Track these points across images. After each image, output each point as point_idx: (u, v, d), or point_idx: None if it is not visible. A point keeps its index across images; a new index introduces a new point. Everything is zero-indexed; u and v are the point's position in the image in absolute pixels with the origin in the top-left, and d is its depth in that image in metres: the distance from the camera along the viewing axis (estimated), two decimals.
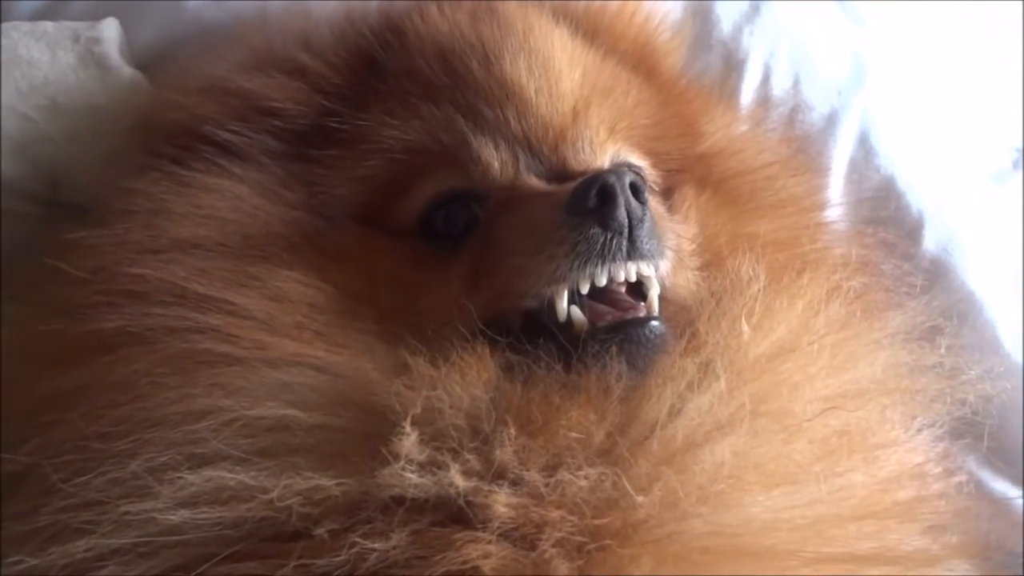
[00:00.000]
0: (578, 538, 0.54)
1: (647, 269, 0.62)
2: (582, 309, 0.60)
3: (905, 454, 0.69)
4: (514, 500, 0.54)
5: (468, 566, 0.52)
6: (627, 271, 0.61)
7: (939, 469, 0.72)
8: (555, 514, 0.54)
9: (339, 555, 0.52)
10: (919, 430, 0.71)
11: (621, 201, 0.61)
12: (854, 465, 0.62)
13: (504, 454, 0.55)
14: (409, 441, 0.54)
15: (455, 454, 0.55)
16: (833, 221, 0.92)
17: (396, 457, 0.54)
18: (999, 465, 0.87)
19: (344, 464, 0.55)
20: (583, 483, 0.55)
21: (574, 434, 0.56)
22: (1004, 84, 1.24)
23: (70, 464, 0.57)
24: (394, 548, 0.52)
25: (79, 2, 0.85)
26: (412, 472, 0.53)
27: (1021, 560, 0.80)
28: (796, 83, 0.97)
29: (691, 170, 0.77)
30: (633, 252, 0.61)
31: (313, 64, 0.73)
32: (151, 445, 0.56)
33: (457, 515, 0.54)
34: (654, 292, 0.63)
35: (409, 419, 0.55)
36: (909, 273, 0.89)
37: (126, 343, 0.60)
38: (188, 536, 0.55)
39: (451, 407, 0.56)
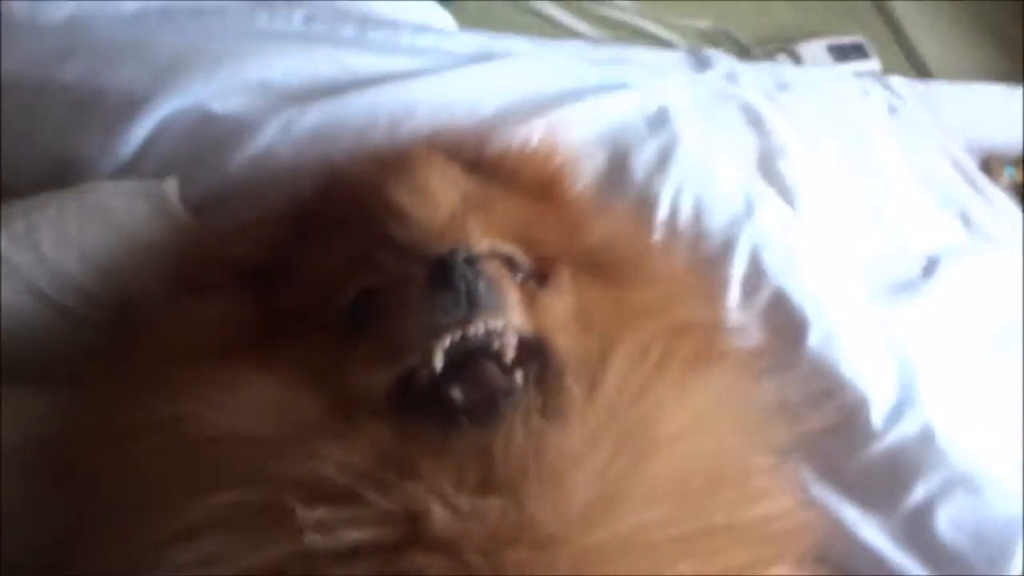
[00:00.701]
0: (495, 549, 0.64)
1: (492, 321, 0.75)
2: (463, 383, 0.75)
3: (767, 487, 0.78)
4: (441, 525, 0.65)
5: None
6: (476, 326, 0.74)
7: (793, 496, 0.84)
8: (475, 532, 0.64)
9: None
10: (780, 469, 0.83)
11: (455, 268, 0.74)
12: (713, 491, 0.73)
13: (391, 501, 0.66)
14: (307, 512, 0.65)
15: (345, 513, 0.66)
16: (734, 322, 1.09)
17: (304, 526, 0.65)
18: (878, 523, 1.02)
19: (278, 537, 0.66)
20: (490, 511, 0.66)
21: (448, 478, 0.67)
22: (913, 191, 1.48)
23: (99, 531, 0.72)
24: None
25: (147, 165, 1.09)
26: (317, 537, 0.64)
27: None
28: (697, 218, 1.18)
29: (570, 260, 0.91)
30: (473, 306, 0.74)
31: (262, 228, 0.94)
32: (156, 521, 0.68)
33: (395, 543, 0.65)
34: (522, 338, 0.78)
35: (302, 492, 0.66)
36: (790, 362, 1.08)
37: (138, 430, 0.75)
38: None
39: (337, 473, 0.67)
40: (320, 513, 0.66)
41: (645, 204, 1.19)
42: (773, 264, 1.17)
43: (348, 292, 0.84)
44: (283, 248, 0.92)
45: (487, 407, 0.74)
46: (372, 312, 0.81)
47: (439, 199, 0.87)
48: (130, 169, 1.10)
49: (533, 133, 1.11)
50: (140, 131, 1.09)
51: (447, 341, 0.74)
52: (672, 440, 0.75)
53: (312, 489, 0.68)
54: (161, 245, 0.99)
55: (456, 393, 0.75)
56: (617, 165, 1.21)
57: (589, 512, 0.67)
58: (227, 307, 0.88)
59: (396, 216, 0.85)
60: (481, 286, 0.75)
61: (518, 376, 0.77)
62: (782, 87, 1.57)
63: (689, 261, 1.13)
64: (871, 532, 1.03)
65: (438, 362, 0.74)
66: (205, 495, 0.68)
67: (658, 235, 1.17)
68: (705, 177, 1.23)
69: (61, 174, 1.09)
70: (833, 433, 1.05)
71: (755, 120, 1.41)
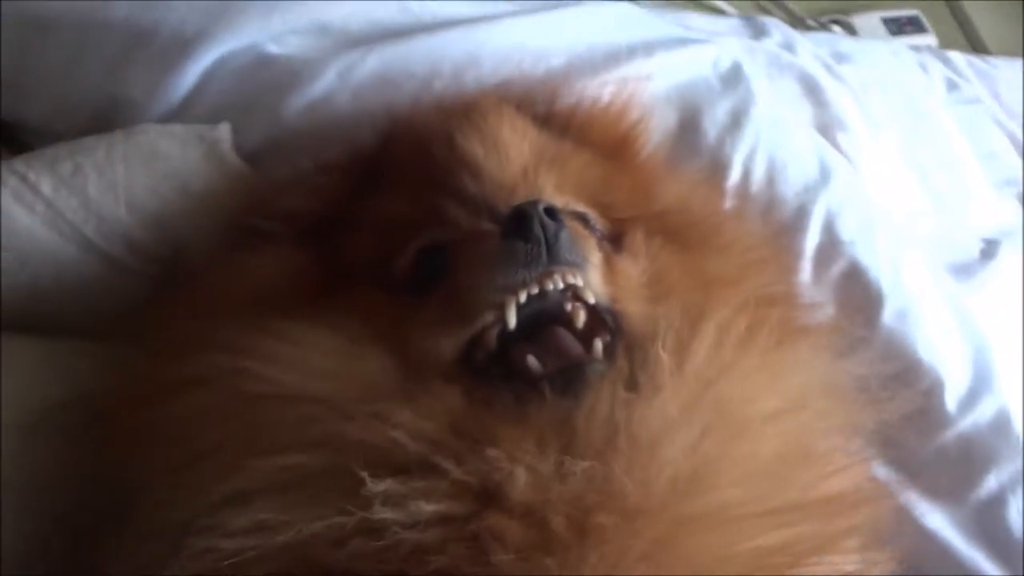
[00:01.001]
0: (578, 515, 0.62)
1: (572, 278, 0.71)
2: (537, 349, 0.71)
3: (843, 466, 0.74)
4: (522, 489, 0.62)
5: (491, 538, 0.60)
6: (554, 281, 0.70)
7: (875, 488, 0.83)
8: (558, 497, 0.62)
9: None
10: (854, 448, 0.80)
11: (535, 219, 0.70)
12: (795, 470, 0.71)
13: (465, 472, 0.63)
14: (376, 484, 0.62)
15: (418, 484, 0.62)
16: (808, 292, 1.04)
17: (373, 497, 0.62)
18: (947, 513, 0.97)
19: (343, 506, 0.62)
20: (576, 475, 0.63)
21: (531, 448, 0.64)
22: (975, 175, 1.42)
23: (149, 495, 0.68)
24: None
25: (198, 109, 1.03)
26: (387, 510, 0.61)
27: None
28: (771, 182, 1.12)
29: (642, 223, 0.87)
30: (553, 260, 0.70)
31: (318, 179, 0.90)
32: (208, 484, 0.65)
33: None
34: (597, 305, 0.73)
35: (369, 458, 0.63)
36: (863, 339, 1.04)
37: (189, 385, 0.71)
38: (248, 562, 0.61)
39: (409, 440, 0.64)
40: (390, 483, 0.63)
41: (717, 166, 1.13)
42: (848, 234, 1.11)
43: (412, 247, 0.81)
44: (344, 199, 0.88)
45: (570, 377, 0.70)
46: (438, 269, 0.77)
47: (511, 152, 0.83)
48: (180, 113, 1.04)
49: (604, 87, 1.05)
50: (191, 73, 1.03)
51: (523, 296, 0.70)
52: (762, 422, 0.71)
53: (382, 456, 0.64)
54: (214, 194, 0.94)
55: (532, 362, 0.71)
56: (688, 124, 1.15)
57: (677, 487, 0.64)
58: (286, 259, 0.84)
59: (466, 167, 0.81)
60: (563, 238, 0.71)
61: (598, 344, 0.73)
62: (840, 58, 1.51)
63: (763, 229, 1.07)
64: (938, 521, 0.98)
65: (511, 320, 0.70)
66: (262, 457, 0.65)
67: (730, 200, 1.11)
68: (779, 139, 1.17)
69: (106, 119, 1.03)
70: (905, 416, 0.99)
71: (813, 90, 1.34)
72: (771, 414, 0.71)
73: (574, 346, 0.72)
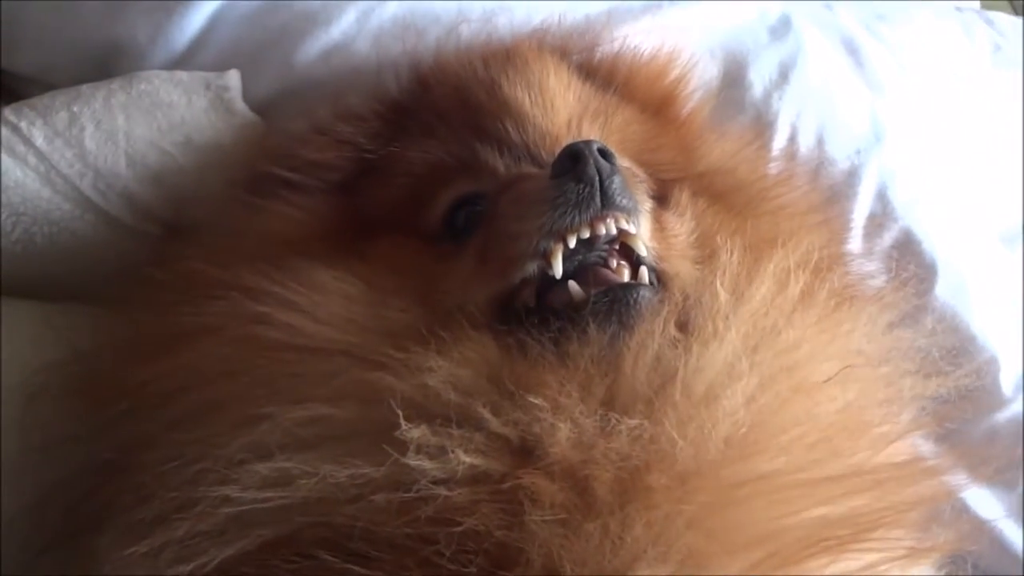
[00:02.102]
0: (621, 477, 0.56)
1: (625, 223, 0.66)
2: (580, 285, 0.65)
3: (899, 436, 0.70)
4: (563, 447, 0.57)
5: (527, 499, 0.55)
6: (607, 225, 0.66)
7: (930, 464, 0.75)
8: (602, 457, 0.57)
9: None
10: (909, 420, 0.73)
11: (590, 159, 0.65)
12: (853, 436, 0.65)
13: (503, 423, 0.58)
14: (411, 429, 0.58)
15: (454, 433, 0.58)
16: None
17: (407, 445, 0.57)
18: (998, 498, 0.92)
19: (374, 457, 0.57)
20: (622, 432, 0.58)
21: (574, 394, 0.59)
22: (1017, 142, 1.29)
23: (155, 451, 0.63)
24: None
25: (204, 56, 0.95)
26: (422, 458, 0.57)
27: None
28: (820, 141, 1.03)
29: (688, 183, 0.82)
30: (607, 203, 0.65)
31: (344, 128, 0.83)
32: (222, 436, 0.61)
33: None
34: (644, 259, 0.68)
35: (402, 407, 0.58)
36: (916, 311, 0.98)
37: (198, 333, 0.67)
38: (262, 517, 0.58)
39: (444, 388, 0.60)
40: (424, 430, 0.57)
41: (762, 123, 1.04)
42: (902, 200, 1.03)
43: (446, 196, 0.76)
44: (370, 147, 0.81)
45: (615, 298, 0.64)
46: (475, 220, 0.72)
47: (556, 101, 0.78)
48: (185, 61, 0.96)
49: (644, 36, 0.95)
50: (197, 16, 0.94)
51: (572, 240, 0.65)
52: (821, 381, 0.66)
53: (415, 405, 0.59)
54: (221, 147, 0.87)
55: (574, 287, 0.65)
56: (733, 78, 1.06)
57: (732, 445, 0.59)
58: (311, 209, 0.78)
59: (509, 115, 0.76)
60: (617, 181, 0.66)
61: (644, 272, 0.67)
62: (880, 18, 1.40)
63: (811, 193, 0.98)
64: (988, 504, 0.92)
65: (558, 269, 0.66)
66: (284, 406, 0.60)
67: (776, 159, 1.02)
68: (830, 96, 1.08)
69: (105, 67, 0.95)
70: (958, 395, 0.92)
71: (852, 50, 1.24)
72: (829, 375, 0.66)
73: (617, 277, 0.66)
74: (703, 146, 0.89)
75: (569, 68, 0.84)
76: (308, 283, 0.68)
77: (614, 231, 0.66)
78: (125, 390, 0.68)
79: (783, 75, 1.07)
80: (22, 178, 0.82)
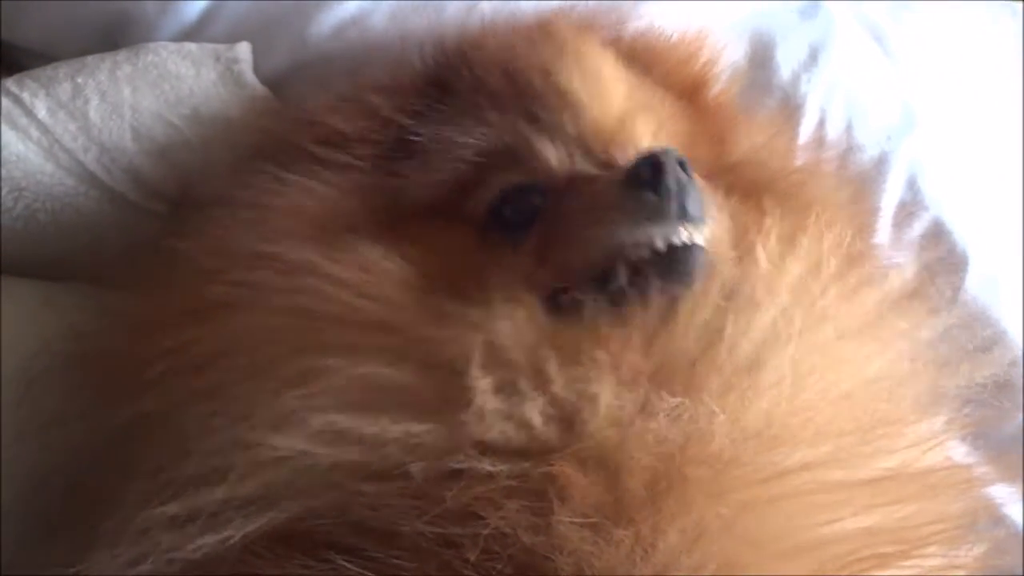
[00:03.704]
0: (656, 468, 0.54)
1: (697, 235, 0.65)
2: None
3: (937, 439, 0.67)
4: (601, 427, 0.56)
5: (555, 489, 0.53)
6: (679, 234, 0.64)
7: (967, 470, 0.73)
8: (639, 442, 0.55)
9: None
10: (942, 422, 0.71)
11: (671, 171, 0.64)
12: (890, 433, 0.63)
13: (568, 388, 0.57)
14: (481, 386, 0.57)
15: (524, 393, 0.57)
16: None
17: (472, 405, 0.56)
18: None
19: (432, 416, 0.56)
20: (661, 414, 0.56)
21: (624, 359, 0.57)
22: None
23: (193, 414, 0.60)
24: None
25: (215, 28, 0.90)
26: (490, 415, 0.56)
27: None
28: (849, 127, 0.99)
29: (721, 177, 0.79)
30: (683, 215, 0.64)
31: (379, 101, 0.78)
32: (271, 392, 0.58)
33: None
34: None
35: (474, 365, 0.57)
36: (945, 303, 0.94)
37: (237, 304, 0.63)
38: (304, 482, 0.56)
39: (510, 346, 0.59)
40: (491, 384, 0.57)
41: (790, 106, 0.99)
42: (932, 190, 0.99)
43: (495, 183, 0.72)
44: (409, 123, 0.76)
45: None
46: (528, 214, 0.70)
47: (611, 93, 0.75)
48: (195, 34, 0.91)
49: (668, 14, 0.90)
50: None
51: (646, 252, 0.64)
52: (857, 374, 0.64)
53: (481, 363, 0.58)
54: (230, 121, 0.82)
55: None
56: (760, 59, 1.01)
57: (770, 422, 0.57)
58: (344, 183, 0.73)
59: (565, 104, 0.73)
60: (693, 193, 0.65)
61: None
62: (905, 7, 1.35)
63: (840, 184, 0.93)
64: (1014, 506, 0.87)
65: (623, 278, 0.64)
66: (342, 361, 0.59)
67: (805, 146, 0.97)
68: (860, 81, 1.03)
69: (111, 41, 0.90)
70: (985, 392, 0.88)
71: (878, 36, 1.18)
72: (868, 363, 0.65)
73: None
74: (734, 137, 0.85)
75: (617, 55, 0.81)
76: (357, 261, 0.65)
77: (688, 240, 0.65)
78: (132, 367, 0.64)
79: (812, 57, 1.02)
80: (24, 152, 0.78)
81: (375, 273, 0.65)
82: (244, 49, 0.85)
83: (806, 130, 0.98)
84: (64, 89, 0.79)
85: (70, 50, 0.89)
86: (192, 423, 0.59)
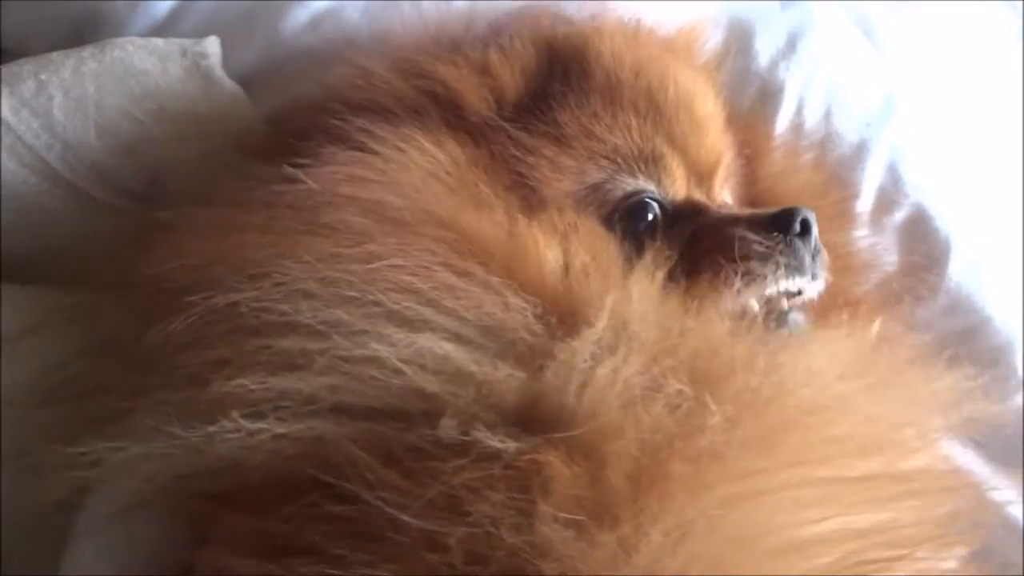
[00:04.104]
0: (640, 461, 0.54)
1: (813, 290, 0.74)
2: None
3: (927, 440, 0.67)
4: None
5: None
6: (809, 287, 0.73)
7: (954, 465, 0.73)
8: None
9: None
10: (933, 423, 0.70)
11: (814, 230, 0.72)
12: (883, 435, 0.63)
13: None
14: (590, 337, 0.57)
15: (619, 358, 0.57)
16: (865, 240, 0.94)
17: (564, 355, 0.56)
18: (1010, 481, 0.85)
19: (527, 365, 0.57)
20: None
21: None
22: None
23: (298, 305, 0.58)
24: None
25: (186, 24, 0.89)
26: (576, 371, 0.56)
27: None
28: (828, 114, 0.98)
29: (751, 197, 0.85)
30: (811, 271, 0.73)
31: (501, 65, 0.77)
32: (388, 292, 0.58)
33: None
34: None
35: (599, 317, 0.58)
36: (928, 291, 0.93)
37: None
38: (367, 394, 0.55)
39: (632, 312, 0.60)
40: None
41: (767, 94, 0.99)
42: (914, 176, 0.97)
43: (623, 186, 0.75)
44: (523, 90, 0.77)
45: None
46: (643, 224, 0.74)
47: (715, 125, 0.81)
48: (166, 29, 0.90)
49: (650, 5, 0.89)
50: None
51: (774, 290, 0.71)
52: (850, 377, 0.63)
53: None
54: (197, 117, 0.80)
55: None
56: (739, 47, 1.00)
57: (758, 416, 0.57)
58: (461, 148, 0.72)
59: (697, 130, 0.78)
60: (821, 253, 0.74)
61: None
62: (901, 5, 1.33)
63: (820, 172, 0.95)
64: (1002, 489, 0.83)
65: (754, 306, 0.71)
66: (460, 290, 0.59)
67: (782, 133, 0.97)
68: (840, 68, 1.01)
69: (83, 39, 0.89)
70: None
71: (867, 28, 1.17)
72: (861, 373, 0.65)
73: None
74: (764, 158, 0.90)
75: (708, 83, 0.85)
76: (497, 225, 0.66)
77: (813, 294, 0.74)
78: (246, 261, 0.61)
79: (791, 44, 1.01)
80: None
81: (530, 247, 0.65)
82: (212, 44, 0.84)
83: (784, 118, 0.98)
84: (28, 86, 0.78)
85: (41, 48, 0.88)
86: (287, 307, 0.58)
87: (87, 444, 0.58)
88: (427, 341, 0.56)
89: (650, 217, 0.75)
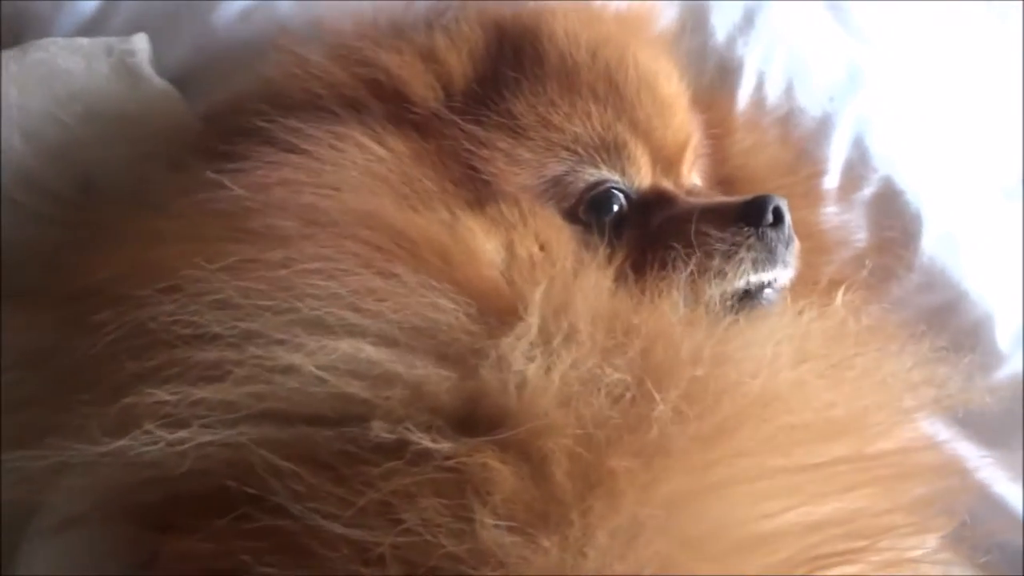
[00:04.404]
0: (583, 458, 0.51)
1: (783, 277, 0.72)
2: None
3: (895, 422, 0.65)
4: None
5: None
6: (779, 275, 0.71)
7: (931, 445, 0.71)
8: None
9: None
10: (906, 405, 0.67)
11: (787, 220, 0.70)
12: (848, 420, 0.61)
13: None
14: (523, 332, 0.55)
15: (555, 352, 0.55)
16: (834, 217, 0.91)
17: (499, 350, 0.54)
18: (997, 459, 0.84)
19: (458, 366, 0.55)
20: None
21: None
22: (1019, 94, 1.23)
23: (216, 315, 0.56)
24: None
25: (115, 22, 0.86)
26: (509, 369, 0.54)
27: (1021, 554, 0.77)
28: (790, 89, 0.95)
29: (719, 180, 0.83)
30: (782, 259, 0.71)
31: (448, 50, 0.74)
32: (306, 298, 0.55)
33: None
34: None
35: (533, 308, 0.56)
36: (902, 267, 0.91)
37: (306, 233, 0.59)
38: (290, 401, 0.53)
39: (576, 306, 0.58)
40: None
41: (726, 71, 0.96)
42: (881, 149, 0.94)
43: (585, 177, 0.72)
44: (473, 77, 0.74)
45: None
46: (618, 216, 0.72)
47: (681, 105, 0.79)
48: (94, 29, 0.87)
49: None
50: None
51: (743, 282, 0.69)
52: (815, 361, 0.62)
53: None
54: (126, 117, 0.78)
55: None
56: (695, 24, 0.96)
57: (707, 409, 0.54)
58: (406, 143, 0.69)
59: (662, 113, 0.76)
60: (794, 241, 0.72)
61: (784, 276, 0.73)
62: None
63: (784, 148, 0.92)
64: (992, 472, 0.84)
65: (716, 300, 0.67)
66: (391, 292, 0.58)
67: (743, 109, 0.94)
68: (800, 41, 0.98)
69: (10, 43, 0.85)
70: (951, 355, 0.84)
71: (835, 4, 1.15)
72: (826, 354, 0.64)
73: None
74: (732, 138, 0.88)
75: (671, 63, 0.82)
76: (439, 219, 0.64)
77: (784, 282, 0.72)
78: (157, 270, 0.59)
79: (748, 19, 0.98)
80: None
81: (459, 243, 0.62)
82: (140, 40, 0.82)
83: (744, 94, 0.95)
84: None
85: None
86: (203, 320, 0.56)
87: (15, 460, 0.56)
88: (349, 346, 0.54)
89: (616, 208, 0.72)
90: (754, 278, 0.70)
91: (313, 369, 0.53)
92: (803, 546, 0.52)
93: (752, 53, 0.96)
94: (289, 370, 0.53)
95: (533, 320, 0.56)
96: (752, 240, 0.70)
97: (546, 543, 0.48)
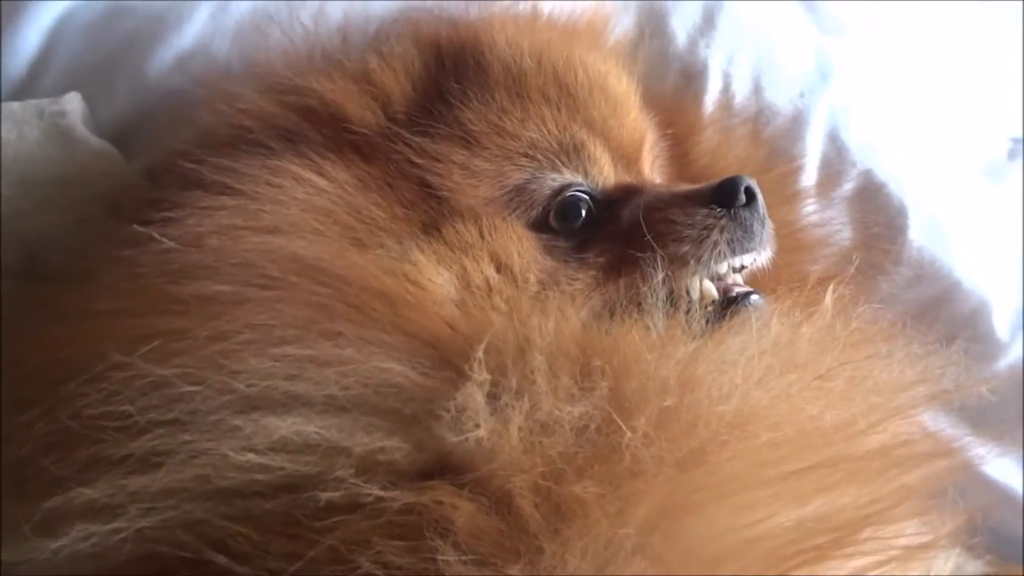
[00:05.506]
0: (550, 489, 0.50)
1: (760, 259, 0.70)
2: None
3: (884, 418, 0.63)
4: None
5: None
6: (756, 257, 0.69)
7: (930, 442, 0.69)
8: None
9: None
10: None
11: (760, 198, 0.68)
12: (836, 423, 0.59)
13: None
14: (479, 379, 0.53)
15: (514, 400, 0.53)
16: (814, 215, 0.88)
17: (459, 407, 0.52)
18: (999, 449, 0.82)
19: (412, 428, 0.52)
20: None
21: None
22: (998, 73, 1.18)
23: (146, 401, 0.53)
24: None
25: (45, 82, 0.83)
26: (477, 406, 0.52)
27: (1020, 545, 0.75)
28: (758, 89, 0.93)
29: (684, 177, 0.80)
30: (760, 243, 0.69)
31: (382, 70, 0.72)
32: (242, 375, 0.52)
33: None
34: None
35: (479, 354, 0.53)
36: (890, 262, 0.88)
37: (232, 301, 0.56)
38: (247, 485, 0.51)
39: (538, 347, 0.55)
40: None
41: (690, 75, 0.93)
42: (858, 142, 0.91)
43: (547, 183, 0.70)
44: (414, 96, 0.72)
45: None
46: (587, 220, 0.70)
47: (634, 102, 0.77)
48: (30, 86, 0.83)
49: None
50: (31, 32, 0.82)
51: (723, 268, 0.68)
52: (804, 369, 0.60)
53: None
54: (64, 179, 0.74)
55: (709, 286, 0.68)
56: (654, 29, 0.94)
57: (684, 433, 0.53)
58: (351, 172, 0.67)
59: (617, 111, 0.74)
60: (768, 222, 0.70)
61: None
62: None
63: (757, 149, 0.90)
64: (997, 465, 0.83)
65: (713, 292, 0.67)
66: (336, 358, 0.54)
67: (711, 113, 0.91)
68: (765, 37, 0.95)
69: None
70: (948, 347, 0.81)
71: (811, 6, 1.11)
72: (812, 365, 0.61)
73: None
74: (694, 136, 0.86)
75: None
76: (382, 265, 0.61)
77: (761, 263, 0.70)
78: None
79: (708, 20, 0.95)
80: None
81: (406, 283, 0.60)
82: (72, 100, 0.78)
83: (711, 98, 0.92)
84: None
85: None
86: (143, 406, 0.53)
87: None
88: (292, 423, 0.51)
89: (584, 213, 0.70)
90: (735, 261, 0.68)
91: (252, 456, 0.50)
92: (781, 543, 0.51)
93: (715, 55, 0.93)
94: (226, 455, 0.51)
95: (485, 376, 0.53)
96: (725, 221, 0.68)
97: (514, 571, 0.47)
